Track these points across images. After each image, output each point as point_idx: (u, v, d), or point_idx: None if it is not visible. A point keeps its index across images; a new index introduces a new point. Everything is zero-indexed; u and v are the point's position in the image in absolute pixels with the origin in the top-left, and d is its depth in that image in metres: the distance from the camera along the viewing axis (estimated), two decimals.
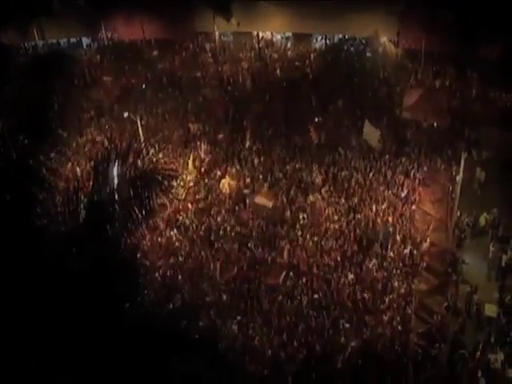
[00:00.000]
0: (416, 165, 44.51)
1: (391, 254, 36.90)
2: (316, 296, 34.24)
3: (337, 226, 39.12)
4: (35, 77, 19.08)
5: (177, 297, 34.55)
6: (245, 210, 41.55)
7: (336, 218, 39.87)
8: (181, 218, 41.43)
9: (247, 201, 42.19)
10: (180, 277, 36.42)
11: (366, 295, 34.10)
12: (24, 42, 70.66)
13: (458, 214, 39.92)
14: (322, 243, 37.68)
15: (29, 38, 70.57)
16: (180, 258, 37.92)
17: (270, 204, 41.28)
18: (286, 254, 37.22)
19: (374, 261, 36.14)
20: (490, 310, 33.61)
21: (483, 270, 36.78)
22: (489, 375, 29.71)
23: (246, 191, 43.00)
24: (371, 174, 43.77)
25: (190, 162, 46.61)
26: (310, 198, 41.63)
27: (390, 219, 39.30)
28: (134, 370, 15.33)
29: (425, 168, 44.38)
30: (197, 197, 43.41)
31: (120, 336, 14.91)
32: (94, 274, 15.19)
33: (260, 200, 41.73)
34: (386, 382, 29.41)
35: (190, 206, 42.53)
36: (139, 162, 16.64)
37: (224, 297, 34.71)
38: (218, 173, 45.93)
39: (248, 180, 44.78)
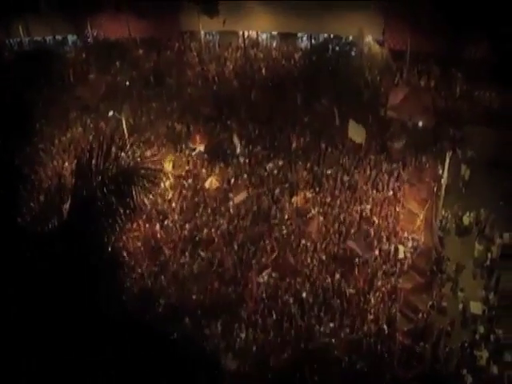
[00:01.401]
0: (401, 164, 44.50)
1: (376, 252, 36.94)
2: (303, 295, 34.26)
3: (322, 226, 39.04)
4: (20, 74, 18.98)
5: (161, 297, 34.52)
6: (230, 209, 41.44)
7: (321, 217, 39.80)
8: (165, 216, 41.34)
9: (231, 202, 42.07)
10: (163, 277, 36.34)
11: (350, 294, 34.16)
12: (9, 39, 70.14)
13: (443, 212, 40.07)
14: (307, 243, 37.69)
15: (14, 35, 70.13)
16: (164, 258, 37.85)
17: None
18: (270, 253, 37.17)
19: (358, 260, 36.18)
20: (476, 307, 33.77)
21: (468, 268, 36.87)
22: (474, 372, 29.85)
23: (230, 195, 42.83)
24: (356, 173, 43.79)
25: (175, 160, 46.50)
26: (295, 197, 41.66)
27: (375, 218, 39.46)
28: (116, 370, 15.27)
29: (410, 167, 44.39)
30: (181, 195, 43.25)
31: (103, 335, 14.85)
32: (77, 272, 15.12)
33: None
34: (371, 380, 29.49)
35: (174, 204, 42.43)
36: (122, 158, 16.58)
37: (208, 297, 34.67)
38: (204, 172, 45.76)
39: (232, 180, 44.73)
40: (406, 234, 38.42)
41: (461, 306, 34.06)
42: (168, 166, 44.98)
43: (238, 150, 47.64)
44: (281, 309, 33.61)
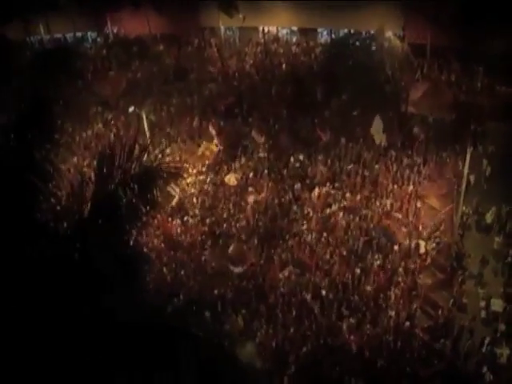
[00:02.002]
0: (422, 159, 44.33)
1: (396, 248, 36.86)
2: (322, 291, 34.25)
3: (342, 221, 39.04)
4: (41, 71, 19.11)
5: (182, 291, 34.64)
6: (250, 205, 41.47)
7: (341, 213, 39.79)
8: (186, 211, 41.53)
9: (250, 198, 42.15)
10: (183, 271, 36.51)
11: (370, 290, 34.11)
12: (30, 37, 70.62)
13: (464, 208, 39.88)
14: (329, 238, 37.68)
15: (35, 33, 70.57)
16: (184, 253, 38.02)
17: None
18: (291, 248, 37.22)
19: (378, 256, 36.16)
20: (497, 304, 33.57)
21: (489, 265, 36.69)
22: (495, 370, 29.66)
23: (250, 189, 43.01)
24: (377, 168, 43.72)
25: (196, 156, 46.66)
26: (315, 192, 41.65)
27: (396, 214, 39.37)
28: (135, 367, 15.32)
29: (431, 163, 44.21)
30: (202, 191, 43.38)
31: (124, 329, 14.92)
32: (98, 269, 15.19)
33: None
34: (391, 377, 29.42)
35: (195, 200, 42.57)
36: (145, 157, 16.65)
37: (229, 291, 34.76)
38: (225, 167, 45.96)
39: (252, 175, 44.84)
40: (426, 230, 38.27)
41: (482, 303, 33.89)
42: (189, 162, 45.22)
43: (260, 141, 47.66)
44: (300, 304, 33.62)
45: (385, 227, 37.72)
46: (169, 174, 16.94)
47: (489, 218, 39.71)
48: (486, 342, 31.03)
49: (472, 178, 40.96)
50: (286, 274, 35.31)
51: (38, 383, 14.47)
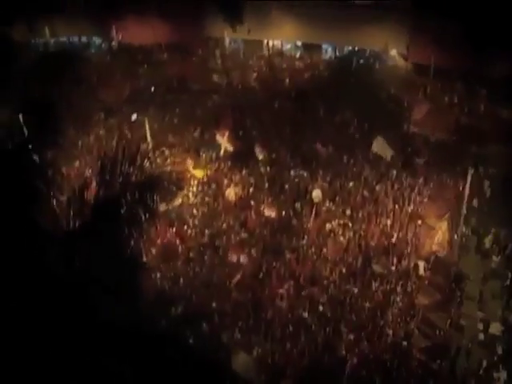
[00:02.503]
0: (423, 179, 44.41)
1: (395, 268, 36.86)
2: (320, 308, 34.19)
3: (342, 238, 39.04)
4: (45, 74, 19.15)
5: (178, 303, 34.53)
6: (250, 218, 41.43)
7: (341, 230, 39.80)
8: (186, 222, 41.44)
9: (252, 210, 42.15)
10: (182, 281, 36.41)
11: (368, 308, 34.06)
12: (35, 39, 70.65)
13: (464, 229, 39.91)
14: (327, 255, 37.65)
15: (39, 35, 70.60)
16: (183, 263, 37.91)
17: (273, 214, 41.51)
18: (290, 264, 37.16)
19: (378, 274, 36.13)
20: (494, 327, 33.51)
21: (488, 287, 36.67)
22: None
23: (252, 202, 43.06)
24: (377, 187, 43.78)
25: (198, 167, 46.70)
26: (315, 207, 41.70)
27: (395, 233, 39.43)
28: (131, 375, 15.27)
29: (431, 183, 44.31)
30: (202, 202, 43.30)
31: (119, 338, 14.87)
32: (96, 273, 15.19)
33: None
34: None
35: (195, 211, 42.50)
36: (147, 165, 16.70)
37: (227, 304, 34.64)
38: (225, 180, 45.84)
39: (253, 190, 44.81)
40: (425, 250, 38.29)
41: (480, 326, 33.84)
42: (191, 173, 45.21)
43: (261, 158, 47.64)
44: (298, 320, 33.56)
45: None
46: (169, 183, 17.01)
47: (487, 242, 39.70)
48: (484, 364, 30.96)
49: (473, 199, 41.00)
50: (286, 287, 35.25)
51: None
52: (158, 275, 36.57)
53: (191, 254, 38.59)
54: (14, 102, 18.36)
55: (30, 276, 14.68)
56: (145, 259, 36.23)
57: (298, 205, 42.62)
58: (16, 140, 16.31)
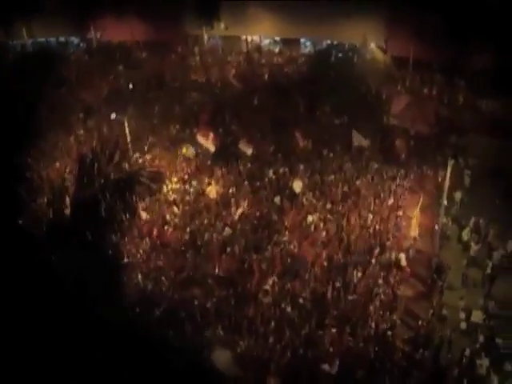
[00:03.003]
0: (403, 171, 44.52)
1: (376, 260, 36.96)
2: (301, 301, 34.22)
3: (323, 233, 39.13)
4: (22, 75, 19.05)
5: (161, 301, 34.46)
6: (231, 215, 41.45)
7: (322, 224, 39.85)
8: (166, 220, 41.35)
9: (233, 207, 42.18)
10: (165, 279, 36.33)
11: (351, 301, 34.11)
12: (12, 40, 70.35)
13: (444, 220, 40.06)
14: (307, 248, 37.65)
15: (17, 36, 70.26)
16: (165, 261, 37.85)
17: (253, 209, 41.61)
18: (272, 259, 37.16)
19: (359, 267, 36.20)
20: (476, 316, 33.67)
21: (469, 276, 36.88)
22: (473, 381, 29.74)
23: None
24: (358, 180, 43.88)
25: (177, 164, 46.60)
26: (296, 202, 41.75)
27: (377, 225, 39.53)
28: (116, 374, 15.29)
29: (412, 174, 44.46)
30: (183, 200, 43.25)
31: (102, 338, 14.88)
32: (77, 273, 15.19)
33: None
34: None
35: (175, 209, 42.39)
36: (125, 163, 16.71)
37: (209, 302, 34.61)
38: (206, 177, 45.85)
39: (234, 187, 44.85)
40: (407, 242, 38.43)
41: (462, 315, 33.96)
42: (171, 170, 45.18)
43: (249, 153, 47.70)
44: (280, 314, 33.60)
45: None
46: (148, 180, 17.05)
47: (467, 232, 39.83)
48: (466, 353, 31.09)
49: (453, 190, 41.17)
50: (270, 283, 35.25)
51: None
52: (140, 273, 36.48)
53: (172, 252, 38.48)
54: None
55: (13, 276, 14.72)
56: (126, 257, 36.22)
57: (277, 199, 42.68)
58: None
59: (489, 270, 36.52)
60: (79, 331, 14.63)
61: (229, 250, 38.06)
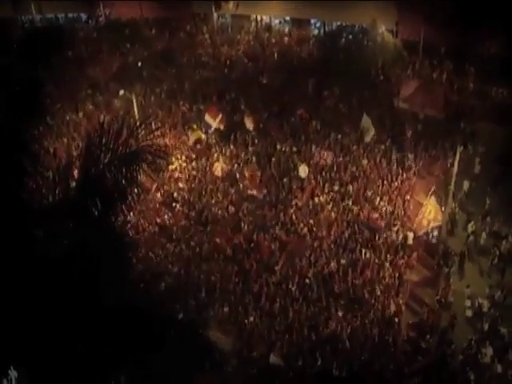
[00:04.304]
0: (412, 155, 44.32)
1: (382, 242, 36.89)
2: (307, 281, 34.23)
3: (331, 214, 39.05)
4: (30, 51, 18.82)
5: (166, 277, 34.50)
6: (238, 193, 41.42)
7: (330, 205, 39.80)
8: (174, 197, 41.40)
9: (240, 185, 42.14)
10: (170, 257, 36.43)
11: (357, 283, 34.08)
12: (20, 16, 70.01)
13: (452, 207, 39.89)
14: (315, 229, 37.65)
15: (25, 12, 69.86)
16: (171, 238, 37.97)
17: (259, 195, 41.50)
18: (278, 238, 37.19)
19: (365, 250, 36.13)
20: (482, 304, 33.56)
21: (475, 265, 36.79)
22: (478, 370, 29.73)
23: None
24: (366, 162, 43.68)
25: (184, 141, 46.63)
26: (304, 183, 41.73)
27: (384, 208, 39.45)
28: (118, 353, 15.22)
29: (420, 159, 44.22)
30: (190, 177, 43.21)
31: (108, 314, 14.79)
32: (81, 250, 15.07)
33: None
34: (375, 371, 29.43)
35: (182, 185, 42.41)
36: (132, 140, 16.57)
37: (214, 278, 34.69)
38: (213, 155, 45.76)
39: (241, 164, 44.80)
40: (414, 225, 38.29)
41: (467, 303, 33.90)
42: (178, 148, 45.18)
43: (251, 129, 47.59)
44: (286, 294, 33.68)
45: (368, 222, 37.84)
46: (155, 157, 16.90)
47: (476, 220, 39.59)
48: (471, 341, 31.06)
49: (462, 177, 40.95)
50: (274, 261, 35.33)
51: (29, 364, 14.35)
52: (146, 248, 36.65)
53: (179, 229, 38.62)
54: None
55: (16, 253, 14.48)
56: (132, 233, 36.25)
57: (285, 180, 42.55)
58: (1, 116, 16.04)
59: (496, 260, 36.35)
60: (82, 307, 14.49)
61: (235, 227, 38.08)
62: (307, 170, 42.19)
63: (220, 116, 46.71)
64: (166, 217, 39.71)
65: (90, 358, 14.66)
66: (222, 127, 47.06)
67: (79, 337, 14.27)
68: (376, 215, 38.76)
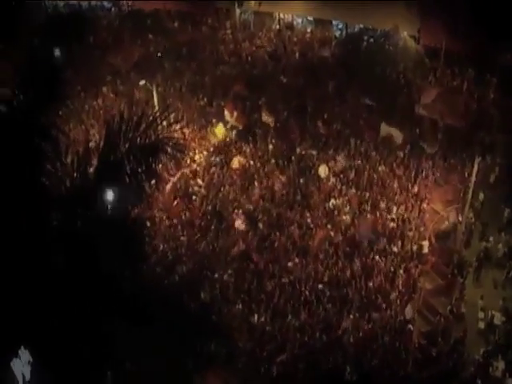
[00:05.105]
0: (430, 163, 44.19)
1: (397, 249, 36.91)
2: (320, 285, 34.29)
3: (347, 217, 39.02)
4: (53, 35, 18.81)
5: (180, 268, 34.65)
6: (255, 190, 41.43)
7: (346, 209, 39.77)
8: (190, 190, 41.45)
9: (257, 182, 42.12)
10: (184, 250, 36.50)
11: (370, 289, 34.07)
12: (44, 0, 70.13)
13: (469, 217, 39.75)
14: (331, 233, 37.63)
15: None
16: (185, 232, 38.04)
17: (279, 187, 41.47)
18: (294, 238, 37.16)
19: (380, 256, 36.19)
20: (495, 317, 33.43)
21: (490, 276, 36.64)
22: (488, 383, 29.66)
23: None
24: (384, 168, 43.61)
25: (204, 135, 46.74)
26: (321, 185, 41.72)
27: (400, 215, 39.41)
28: (132, 340, 15.30)
29: (438, 168, 44.07)
30: (208, 172, 43.26)
31: (121, 302, 14.86)
32: (99, 236, 15.12)
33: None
34: (384, 377, 29.44)
35: (200, 181, 42.44)
36: (151, 131, 16.60)
37: (228, 274, 34.75)
38: (233, 150, 45.95)
39: (259, 163, 44.67)
40: (430, 234, 38.20)
41: (481, 314, 33.81)
42: (197, 141, 45.25)
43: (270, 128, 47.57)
44: (299, 295, 33.66)
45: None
46: (173, 149, 16.95)
47: (492, 231, 39.39)
48: (482, 353, 30.98)
49: (479, 187, 40.82)
50: (290, 264, 35.32)
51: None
52: (161, 240, 36.77)
53: (195, 222, 38.70)
54: (22, 62, 18.03)
55: (34, 236, 14.58)
56: (147, 223, 36.31)
57: (302, 179, 42.55)
58: (22, 100, 16.11)
59: (511, 273, 36.20)
60: (98, 290, 14.62)
61: (251, 225, 38.09)
62: (327, 171, 42.16)
63: (236, 113, 46.78)
64: (182, 210, 39.69)
65: (103, 346, 14.78)
66: (239, 125, 47.07)
67: (92, 323, 14.39)
68: (391, 223, 38.77)
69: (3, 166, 14.87)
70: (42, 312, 14.21)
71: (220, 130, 46.97)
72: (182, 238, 37.90)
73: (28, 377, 15.25)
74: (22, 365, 15.04)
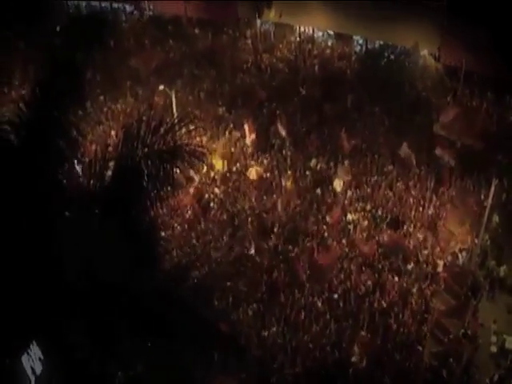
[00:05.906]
0: (446, 183, 44.01)
1: (411, 268, 36.75)
2: (335, 297, 34.34)
3: (363, 234, 38.99)
4: (74, 36, 18.82)
5: (193, 275, 34.63)
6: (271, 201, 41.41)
7: (362, 224, 39.72)
8: (207, 198, 41.49)
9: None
10: (197, 257, 36.60)
11: (382, 306, 33.93)
12: (66, 1, 70.63)
13: (484, 239, 39.52)
14: (346, 249, 37.56)
15: None
16: (200, 240, 38.01)
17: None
18: (308, 250, 37.10)
19: (393, 273, 36.05)
20: (508, 342, 33.17)
21: (503, 300, 36.45)
22: None
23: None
24: (399, 185, 43.53)
25: (221, 144, 46.71)
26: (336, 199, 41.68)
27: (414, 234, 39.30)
28: (144, 343, 15.29)
29: (455, 188, 43.90)
30: (225, 180, 43.30)
31: (132, 306, 14.82)
32: (112, 238, 15.12)
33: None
34: None
35: (216, 190, 42.45)
36: (170, 136, 16.61)
37: (241, 282, 34.88)
38: (250, 161, 46.06)
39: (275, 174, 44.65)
40: (444, 255, 38.07)
41: (493, 338, 33.58)
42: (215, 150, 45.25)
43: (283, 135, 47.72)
44: (311, 309, 33.56)
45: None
46: (191, 156, 16.97)
47: (507, 255, 39.20)
48: (494, 378, 30.75)
49: (495, 210, 40.61)
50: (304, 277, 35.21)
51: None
52: (175, 246, 36.84)
53: (210, 229, 39.00)
54: (42, 61, 18.10)
55: (48, 234, 14.58)
56: (162, 229, 36.32)
57: (318, 191, 42.56)
58: (42, 100, 16.14)
59: None
60: (110, 296, 14.61)
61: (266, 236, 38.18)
62: (342, 184, 42.11)
63: (251, 123, 47.03)
64: (197, 217, 39.70)
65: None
66: (254, 136, 47.17)
67: (103, 325, 14.39)
68: (407, 241, 38.67)
69: (22, 163, 14.94)
70: (55, 311, 14.24)
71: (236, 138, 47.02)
72: (196, 245, 37.80)
73: (39, 373, 15.23)
74: (32, 361, 15.03)
